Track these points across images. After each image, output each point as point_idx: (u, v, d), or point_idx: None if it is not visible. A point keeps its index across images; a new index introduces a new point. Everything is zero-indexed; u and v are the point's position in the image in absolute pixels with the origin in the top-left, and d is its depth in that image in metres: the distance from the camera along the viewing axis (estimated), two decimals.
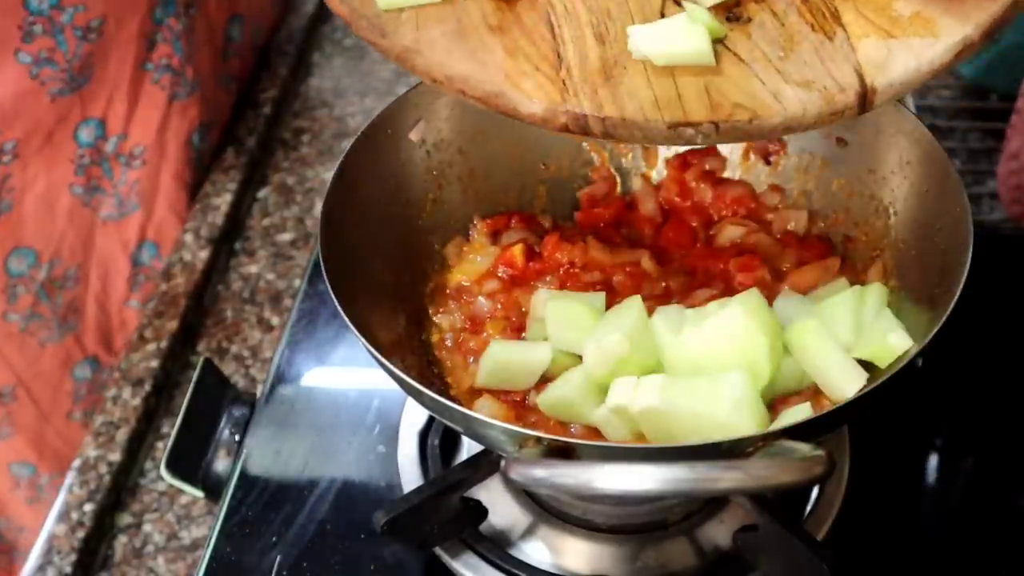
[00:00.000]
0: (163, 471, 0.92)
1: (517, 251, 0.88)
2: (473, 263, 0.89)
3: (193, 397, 0.96)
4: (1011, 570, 0.85)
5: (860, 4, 0.69)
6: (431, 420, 0.93)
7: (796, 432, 0.65)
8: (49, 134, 1.12)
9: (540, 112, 0.66)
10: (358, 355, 0.99)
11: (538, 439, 0.66)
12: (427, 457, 0.91)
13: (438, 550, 0.83)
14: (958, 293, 0.71)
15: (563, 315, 0.81)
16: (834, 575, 0.72)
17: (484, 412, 0.79)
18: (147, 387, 1.07)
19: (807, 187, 0.91)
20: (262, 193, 1.30)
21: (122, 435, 1.02)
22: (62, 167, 1.15)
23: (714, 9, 0.69)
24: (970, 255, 0.72)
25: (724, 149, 0.93)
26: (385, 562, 0.86)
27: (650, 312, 0.78)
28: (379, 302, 0.82)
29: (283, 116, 1.40)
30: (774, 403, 0.76)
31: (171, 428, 0.98)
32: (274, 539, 0.88)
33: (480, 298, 0.87)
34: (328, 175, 0.93)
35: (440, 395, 0.70)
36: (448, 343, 0.86)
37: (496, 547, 0.84)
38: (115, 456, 1.01)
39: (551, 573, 0.83)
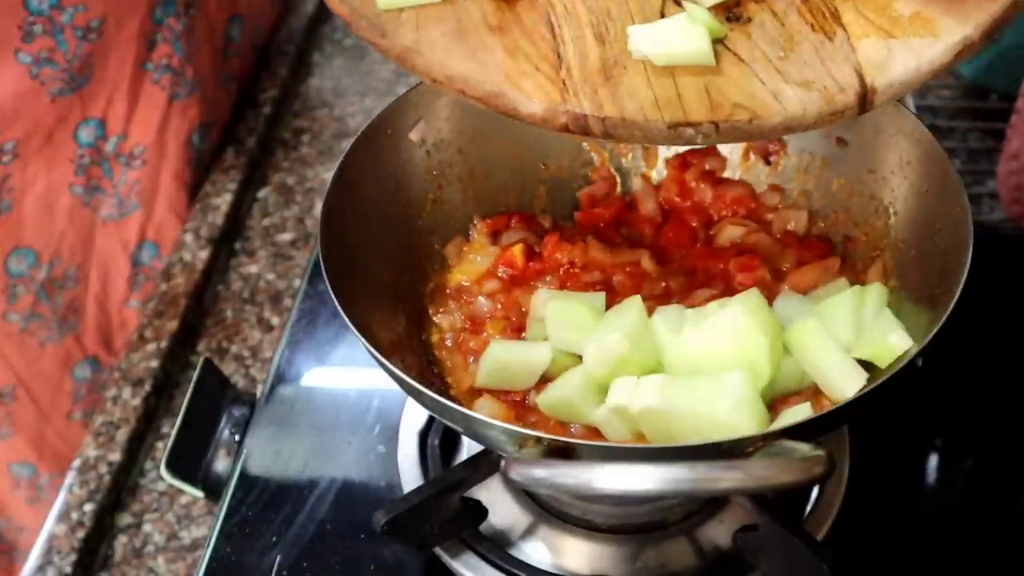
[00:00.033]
0: (163, 471, 0.92)
1: (517, 251, 0.88)
2: (473, 263, 0.89)
3: (193, 397, 0.96)
4: (1011, 570, 0.85)
5: (860, 4, 0.69)
6: (431, 420, 0.93)
7: (796, 432, 0.65)
8: (49, 134, 1.12)
9: (540, 112, 0.66)
10: (358, 355, 0.99)
11: (538, 439, 0.66)
12: (427, 457, 0.91)
13: (438, 550, 0.83)
14: (958, 293, 0.71)
15: (563, 315, 0.81)
16: (834, 575, 0.72)
17: (484, 412, 0.79)
18: (147, 387, 1.07)
19: (807, 187, 0.91)
20: (262, 193, 1.30)
21: (122, 435, 1.03)
22: (62, 167, 1.15)
23: (714, 9, 0.69)
24: (970, 255, 0.72)
25: (724, 149, 0.93)
26: (385, 562, 0.86)
27: (650, 312, 0.78)
28: (379, 302, 0.82)
29: (283, 116, 1.40)
30: (774, 403, 0.76)
31: (171, 428, 0.98)
32: (274, 539, 0.88)
33: (480, 298, 0.87)
34: (328, 175, 0.93)
35: (440, 395, 0.70)
36: (448, 343, 0.86)
37: (496, 547, 0.84)
38: (115, 456, 1.01)
39: (551, 573, 0.83)
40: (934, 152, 0.80)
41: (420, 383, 0.70)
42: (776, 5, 0.70)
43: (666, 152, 0.95)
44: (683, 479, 0.61)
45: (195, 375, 0.98)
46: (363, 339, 0.72)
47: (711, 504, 0.85)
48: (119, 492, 1.01)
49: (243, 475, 0.93)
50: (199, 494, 0.95)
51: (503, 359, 0.81)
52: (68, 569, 0.94)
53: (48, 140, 1.12)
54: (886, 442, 0.91)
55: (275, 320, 1.14)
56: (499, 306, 0.86)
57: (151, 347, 1.10)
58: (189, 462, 0.94)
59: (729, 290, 0.84)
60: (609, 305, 0.82)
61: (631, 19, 0.70)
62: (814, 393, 0.77)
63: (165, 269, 1.19)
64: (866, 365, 0.75)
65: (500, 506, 0.85)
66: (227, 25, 1.32)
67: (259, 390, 1.03)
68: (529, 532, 0.85)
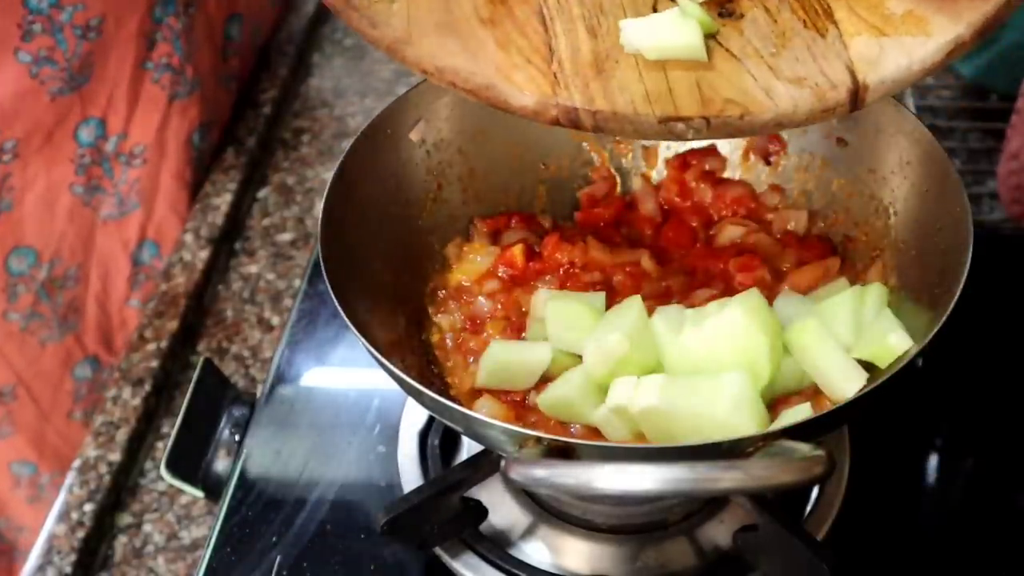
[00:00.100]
0: (163, 471, 0.92)
1: (517, 251, 0.88)
2: (473, 263, 0.89)
3: (193, 397, 0.96)
4: (1011, 570, 0.85)
5: (853, 2, 0.69)
6: (431, 420, 0.93)
7: (796, 432, 0.65)
8: (49, 133, 1.12)
9: (531, 105, 0.66)
10: (358, 355, 0.99)
11: (538, 439, 0.66)
12: (427, 457, 0.91)
13: (438, 550, 0.83)
14: (958, 293, 0.71)
15: (563, 315, 0.81)
16: (834, 575, 0.72)
17: (484, 412, 0.79)
18: (147, 387, 1.07)
19: (807, 187, 0.91)
20: (262, 193, 1.30)
21: (122, 435, 1.02)
22: (62, 166, 1.15)
23: (707, 4, 0.69)
24: (970, 255, 0.72)
25: (724, 149, 0.93)
26: (385, 562, 0.86)
27: (650, 312, 0.78)
28: (379, 302, 0.82)
29: (283, 116, 1.40)
30: (774, 403, 0.76)
31: (171, 428, 0.98)
32: (274, 539, 0.88)
33: (480, 298, 0.87)
34: (328, 175, 0.93)
35: (440, 395, 0.70)
36: (448, 343, 0.86)
37: (496, 547, 0.84)
38: (115, 456, 1.01)
39: (551, 573, 0.83)
40: (934, 152, 0.80)
41: (420, 383, 0.70)
42: (769, 1, 0.70)
43: (666, 152, 0.95)
44: (683, 479, 0.61)
45: (195, 375, 0.98)
46: (363, 339, 0.72)
47: (711, 504, 0.85)
48: (119, 492, 1.01)
49: (243, 475, 0.93)
50: (199, 494, 0.95)
51: (503, 359, 0.81)
52: (68, 569, 0.94)
53: (48, 139, 1.12)
54: (886, 442, 0.91)
55: (275, 320, 1.14)
56: (499, 306, 0.86)
57: (151, 347, 1.10)
58: (189, 462, 0.94)
59: (729, 290, 0.84)
60: (609, 305, 0.82)
61: (623, 13, 0.70)
62: (814, 393, 0.77)
63: (165, 269, 1.19)
64: (866, 365, 0.75)
65: (500, 506, 0.85)
66: (226, 24, 1.32)
67: (259, 390, 1.03)
68: (529, 532, 0.85)
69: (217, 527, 0.89)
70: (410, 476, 0.90)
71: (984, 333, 0.96)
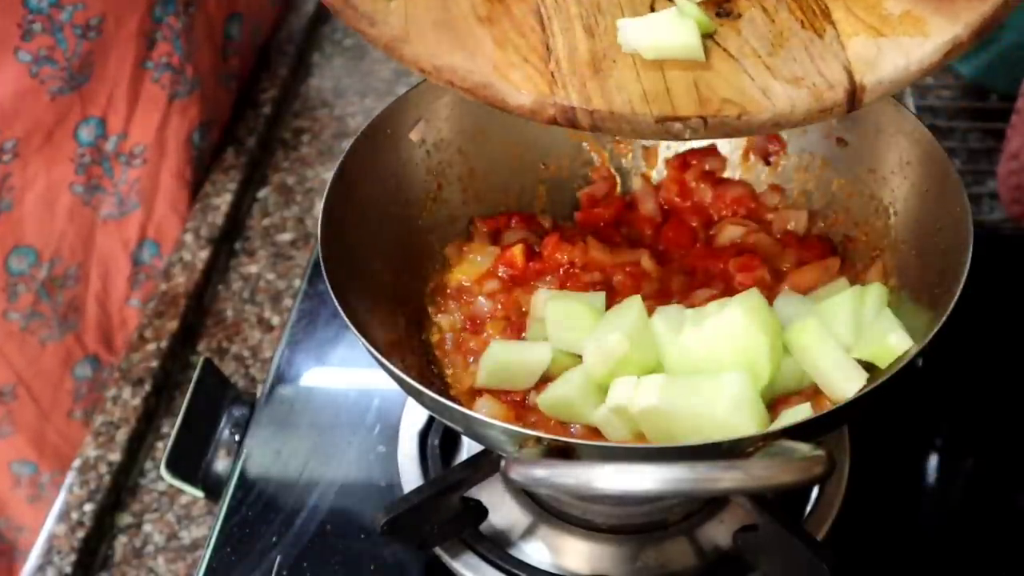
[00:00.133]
0: (163, 471, 0.92)
1: (517, 251, 0.88)
2: (473, 263, 0.89)
3: (193, 397, 0.96)
4: (1011, 570, 0.85)
5: (850, 2, 0.69)
6: (431, 420, 0.93)
7: (796, 432, 0.65)
8: (49, 133, 1.12)
9: (528, 104, 0.66)
10: (358, 355, 0.99)
11: (538, 439, 0.66)
12: (427, 457, 0.91)
13: (438, 550, 0.83)
14: (958, 293, 0.71)
15: (563, 315, 0.81)
16: (834, 575, 0.72)
17: (484, 412, 0.79)
18: (147, 387, 1.07)
19: (807, 187, 0.91)
20: (262, 193, 1.30)
21: (122, 435, 1.02)
22: (62, 166, 1.15)
23: (704, 4, 0.69)
24: (970, 255, 0.72)
25: (724, 149, 0.93)
26: (385, 562, 0.86)
27: (650, 312, 0.78)
28: (379, 302, 0.82)
29: (283, 116, 1.40)
30: (774, 403, 0.76)
31: (171, 428, 0.98)
32: (274, 539, 0.88)
33: (480, 298, 0.87)
34: (328, 175, 0.93)
35: (440, 395, 0.70)
36: (448, 343, 0.86)
37: (496, 547, 0.84)
38: (115, 456, 1.01)
39: (551, 573, 0.83)
40: (934, 152, 0.80)
41: (420, 383, 0.70)
42: (766, 1, 0.70)
43: (666, 152, 0.95)
44: (683, 479, 0.61)
45: (195, 375, 0.98)
46: (363, 339, 0.72)
47: (711, 504, 0.85)
48: (119, 492, 1.01)
49: (243, 475, 0.93)
50: (199, 494, 0.95)
51: (503, 359, 0.81)
52: (68, 569, 0.94)
53: (48, 139, 1.12)
54: (886, 442, 0.91)
55: (275, 320, 1.14)
56: (499, 306, 0.86)
57: (151, 347, 1.10)
58: (189, 462, 0.94)
59: (729, 290, 0.84)
60: (609, 305, 0.82)
61: (621, 12, 0.70)
62: (814, 393, 0.77)
63: (165, 269, 1.19)
64: (866, 365, 0.75)
65: (500, 506, 0.85)
66: (226, 23, 1.32)
67: (259, 390, 1.03)
68: (529, 532, 0.85)
69: (217, 527, 0.89)
70: (410, 476, 0.90)
71: (984, 333, 0.96)
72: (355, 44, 1.50)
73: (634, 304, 0.78)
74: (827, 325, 0.77)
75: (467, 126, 0.90)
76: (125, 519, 0.99)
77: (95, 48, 1.11)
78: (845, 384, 0.74)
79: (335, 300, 0.74)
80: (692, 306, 0.80)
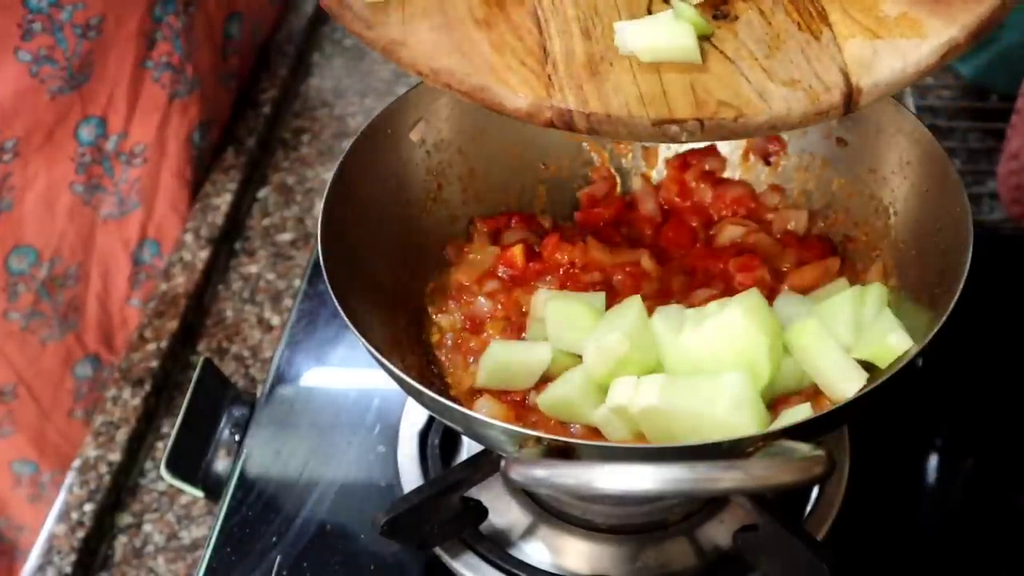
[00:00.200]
0: (163, 471, 0.92)
1: (517, 251, 0.88)
2: (473, 263, 0.89)
3: (193, 397, 0.96)
4: (1011, 570, 0.85)
5: (847, 4, 0.69)
6: (431, 420, 0.93)
7: (796, 432, 0.65)
8: (49, 132, 1.12)
9: (525, 107, 0.66)
10: (358, 355, 0.99)
11: (538, 439, 0.66)
12: (427, 457, 0.91)
13: (438, 550, 0.83)
14: (958, 293, 0.71)
15: (563, 315, 0.81)
16: (834, 575, 0.72)
17: (484, 412, 0.79)
18: (147, 387, 1.07)
19: (807, 187, 0.91)
20: (262, 193, 1.30)
21: (122, 435, 1.03)
22: (62, 165, 1.15)
23: (701, 6, 0.69)
24: (970, 255, 0.72)
25: (724, 149, 0.93)
26: (385, 562, 0.86)
27: (650, 312, 0.78)
28: (379, 302, 0.82)
29: (283, 116, 1.40)
30: (774, 403, 0.76)
31: (171, 428, 0.98)
32: (274, 539, 0.88)
33: (480, 298, 0.87)
34: (328, 175, 0.93)
35: (440, 395, 0.70)
36: (448, 343, 0.86)
37: (496, 547, 0.84)
38: (115, 456, 1.01)
39: (551, 573, 0.83)
40: (934, 152, 0.80)
41: (420, 383, 0.70)
42: (763, 3, 0.70)
43: (666, 152, 0.95)
44: (683, 479, 0.61)
45: (195, 375, 0.98)
46: (363, 339, 0.72)
47: (711, 504, 0.85)
48: (119, 492, 1.01)
49: (243, 475, 0.93)
50: (199, 494, 0.95)
51: (503, 359, 0.81)
52: (68, 569, 0.94)
53: (48, 138, 1.12)
54: (886, 442, 0.91)
55: (275, 320, 1.14)
56: (499, 306, 0.86)
57: (151, 347, 1.10)
58: (189, 462, 0.94)
59: (729, 290, 0.84)
60: (609, 305, 0.82)
61: (618, 15, 0.70)
62: (814, 393, 0.77)
63: (165, 269, 1.19)
64: (866, 365, 0.75)
65: (500, 506, 0.85)
66: (226, 23, 1.32)
67: (259, 390, 1.03)
68: (529, 532, 0.85)
69: (217, 527, 0.89)
70: (410, 476, 0.90)
71: (984, 333, 0.96)
72: (355, 44, 1.50)
73: (634, 304, 0.78)
74: (827, 325, 0.77)
75: (467, 126, 0.90)
76: (125, 519, 0.99)
77: (95, 48, 1.12)
78: (845, 384, 0.74)
79: (335, 300, 0.74)
80: (692, 306, 0.80)
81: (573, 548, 0.84)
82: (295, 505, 0.90)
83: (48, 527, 0.96)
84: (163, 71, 1.19)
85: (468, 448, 0.91)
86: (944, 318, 0.70)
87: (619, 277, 0.87)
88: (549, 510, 0.86)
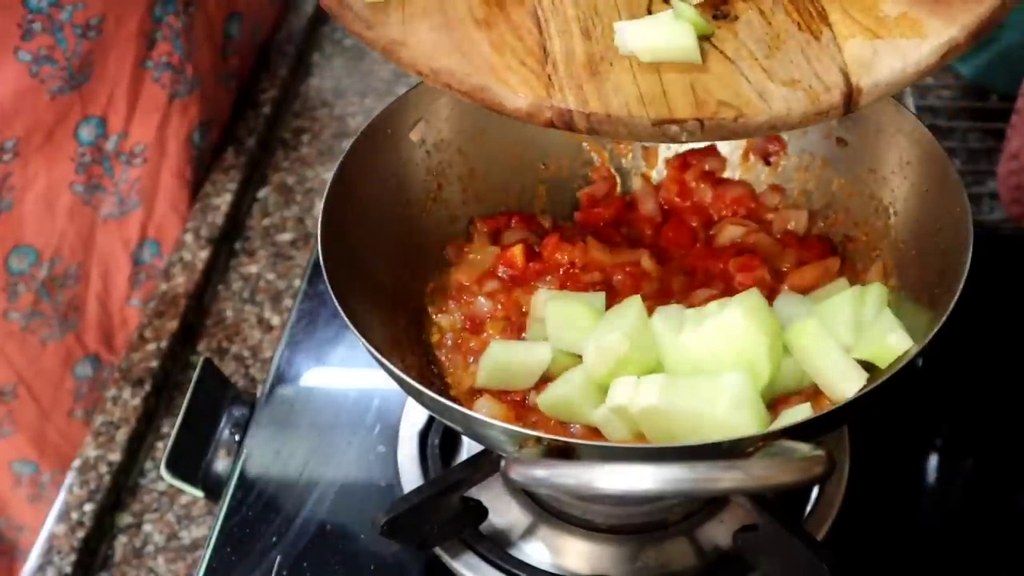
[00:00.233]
0: (163, 471, 0.92)
1: (517, 251, 0.88)
2: (473, 263, 0.89)
3: (193, 397, 0.96)
4: (1011, 570, 0.85)
5: (847, 4, 0.69)
6: (431, 420, 0.93)
7: (796, 432, 0.65)
8: (49, 132, 1.12)
9: (525, 107, 0.66)
10: (358, 355, 0.99)
11: (538, 439, 0.66)
12: (427, 457, 0.91)
13: (438, 550, 0.83)
14: (958, 293, 0.71)
15: (563, 315, 0.81)
16: (834, 575, 0.72)
17: (484, 412, 0.79)
18: (147, 387, 1.07)
19: (807, 187, 0.91)
20: (262, 193, 1.30)
21: (122, 435, 1.03)
22: (63, 165, 1.15)
23: (701, 7, 0.69)
24: (970, 255, 0.72)
25: (724, 149, 0.93)
26: (385, 562, 0.86)
27: (650, 312, 0.78)
28: (379, 302, 0.82)
29: (283, 116, 1.40)
30: (774, 403, 0.76)
31: (171, 428, 0.98)
32: (274, 539, 0.88)
33: (480, 298, 0.87)
34: (328, 175, 0.93)
35: (440, 395, 0.70)
36: (448, 343, 0.86)
37: (496, 547, 0.84)
38: (115, 456, 1.01)
39: (551, 573, 0.83)
40: (934, 152, 0.80)
41: (420, 383, 0.70)
42: (763, 3, 0.70)
43: (666, 152, 0.95)
44: (683, 479, 0.61)
45: (195, 375, 0.98)
46: (363, 339, 0.72)
47: (711, 504, 0.85)
48: (119, 492, 1.01)
49: (243, 475, 0.93)
50: (199, 494, 0.95)
51: (503, 359, 0.81)
52: (68, 569, 0.94)
53: (48, 138, 1.12)
54: (886, 442, 0.91)
55: (275, 320, 1.14)
56: (499, 306, 0.86)
57: (151, 347, 1.10)
58: (189, 462, 0.94)
59: (729, 290, 0.84)
60: (609, 305, 0.82)
61: (618, 15, 0.70)
62: (814, 393, 0.77)
63: (165, 269, 1.19)
64: (866, 365, 0.75)
65: (500, 506, 0.85)
66: (226, 23, 1.32)
67: (259, 390, 1.03)
68: (529, 532, 0.85)
69: (217, 527, 0.89)
70: (410, 476, 0.90)
71: (984, 333, 0.96)
72: (355, 44, 1.50)
73: (634, 304, 0.78)
74: (827, 325, 0.77)
75: (467, 126, 0.90)
76: (125, 519, 0.99)
77: (95, 48, 1.12)
78: (845, 384, 0.74)
79: (335, 300, 0.74)
80: (692, 306, 0.80)
81: (573, 548, 0.84)
82: (295, 505, 0.90)
83: (48, 527, 0.96)
84: (163, 71, 1.19)
85: (468, 448, 0.91)
86: (944, 318, 0.70)
87: (619, 277, 0.87)
88: (549, 510, 0.86)
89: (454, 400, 0.80)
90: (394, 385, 0.73)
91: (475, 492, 0.81)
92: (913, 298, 0.79)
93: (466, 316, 0.87)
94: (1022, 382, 0.97)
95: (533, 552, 0.84)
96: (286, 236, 1.24)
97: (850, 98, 0.66)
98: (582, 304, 0.81)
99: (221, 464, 0.95)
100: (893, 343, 0.74)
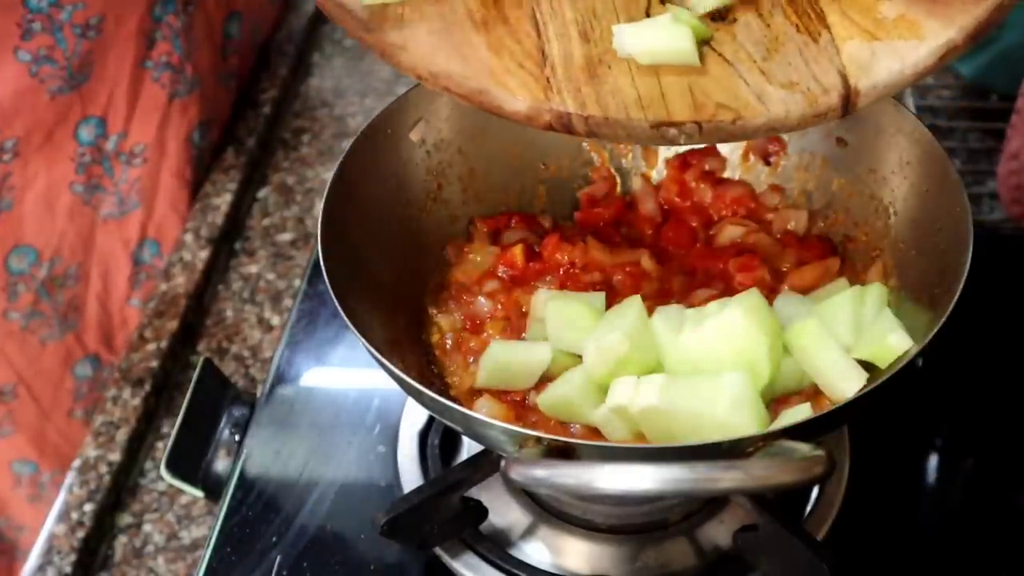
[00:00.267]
0: (163, 471, 0.92)
1: (517, 251, 0.88)
2: (473, 263, 0.89)
3: (193, 397, 0.96)
4: (1011, 570, 0.85)
5: (845, 6, 0.69)
6: (431, 420, 0.93)
7: (796, 432, 0.65)
8: (49, 132, 1.12)
9: (524, 110, 0.66)
10: (358, 355, 0.99)
11: (538, 439, 0.66)
12: (427, 457, 0.91)
13: (438, 550, 0.83)
14: (958, 293, 0.71)
15: (563, 315, 0.81)
16: (834, 575, 0.72)
17: (484, 412, 0.79)
18: (147, 387, 1.07)
19: (807, 187, 0.91)
20: (262, 193, 1.30)
21: (122, 435, 1.03)
22: (62, 165, 1.15)
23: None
24: (970, 255, 0.72)
25: (724, 149, 0.93)
26: (385, 562, 0.86)
27: (650, 312, 0.78)
28: (379, 302, 0.82)
29: (283, 116, 1.40)
30: (774, 403, 0.76)
31: (171, 428, 0.98)
32: (274, 539, 0.88)
33: (480, 298, 0.87)
34: (328, 175, 0.93)
35: (440, 395, 0.70)
36: (448, 343, 0.86)
37: (496, 547, 0.84)
38: (115, 456, 1.01)
39: (551, 573, 0.83)
40: (934, 152, 0.80)
41: (420, 383, 0.70)
42: (762, 6, 0.70)
43: (666, 152, 0.95)
44: (683, 479, 0.61)
45: (195, 375, 0.98)
46: (363, 339, 0.72)
47: (711, 504, 0.85)
48: (119, 492, 1.01)
49: (243, 475, 0.93)
50: (199, 494, 0.95)
51: (503, 359, 0.81)
52: (68, 569, 0.94)
53: (48, 138, 1.12)
54: (886, 442, 0.91)
55: (275, 320, 1.14)
56: (499, 306, 0.86)
57: (151, 347, 1.10)
58: (189, 462, 0.94)
59: (729, 290, 0.84)
60: (609, 305, 0.82)
61: (616, 17, 0.70)
62: (814, 393, 0.77)
63: (165, 269, 1.19)
64: (866, 365, 0.75)
65: (500, 506, 0.85)
66: (226, 22, 1.32)
67: (259, 390, 1.03)
68: (529, 532, 0.85)
69: (217, 527, 0.89)
70: (410, 476, 0.90)
71: (984, 333, 0.96)
72: (355, 44, 1.50)
73: (634, 304, 0.78)
74: (827, 325, 0.77)
75: (467, 126, 0.90)
76: (125, 519, 0.99)
77: (95, 47, 1.12)
78: (845, 384, 0.75)
79: (335, 300, 0.74)
80: (692, 306, 0.80)
81: (573, 548, 0.84)
82: (295, 505, 0.90)
83: (48, 527, 0.96)
84: (163, 71, 1.19)
85: (468, 448, 0.91)
86: (944, 318, 0.70)
87: (619, 277, 0.87)
88: (549, 510, 0.86)
89: (454, 400, 0.80)
90: (394, 385, 0.73)
91: (475, 492, 0.81)
92: (913, 298, 0.79)
93: (466, 316, 0.87)
94: (1022, 382, 0.97)
95: (533, 552, 0.84)
96: (286, 236, 1.24)
97: (848, 100, 0.66)
98: (582, 304, 0.81)
99: (221, 464, 0.95)
100: (893, 343, 0.74)
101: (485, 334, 0.85)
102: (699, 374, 0.74)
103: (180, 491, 0.98)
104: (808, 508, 0.85)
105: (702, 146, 0.93)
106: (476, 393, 0.82)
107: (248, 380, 1.09)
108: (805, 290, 0.84)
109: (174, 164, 1.24)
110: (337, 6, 0.70)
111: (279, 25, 1.49)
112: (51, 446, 1.26)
